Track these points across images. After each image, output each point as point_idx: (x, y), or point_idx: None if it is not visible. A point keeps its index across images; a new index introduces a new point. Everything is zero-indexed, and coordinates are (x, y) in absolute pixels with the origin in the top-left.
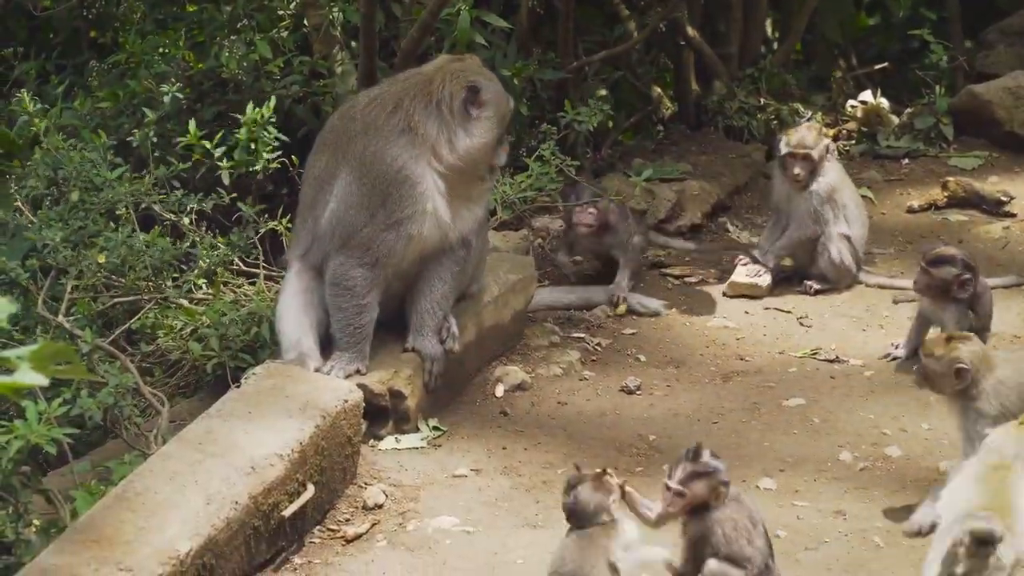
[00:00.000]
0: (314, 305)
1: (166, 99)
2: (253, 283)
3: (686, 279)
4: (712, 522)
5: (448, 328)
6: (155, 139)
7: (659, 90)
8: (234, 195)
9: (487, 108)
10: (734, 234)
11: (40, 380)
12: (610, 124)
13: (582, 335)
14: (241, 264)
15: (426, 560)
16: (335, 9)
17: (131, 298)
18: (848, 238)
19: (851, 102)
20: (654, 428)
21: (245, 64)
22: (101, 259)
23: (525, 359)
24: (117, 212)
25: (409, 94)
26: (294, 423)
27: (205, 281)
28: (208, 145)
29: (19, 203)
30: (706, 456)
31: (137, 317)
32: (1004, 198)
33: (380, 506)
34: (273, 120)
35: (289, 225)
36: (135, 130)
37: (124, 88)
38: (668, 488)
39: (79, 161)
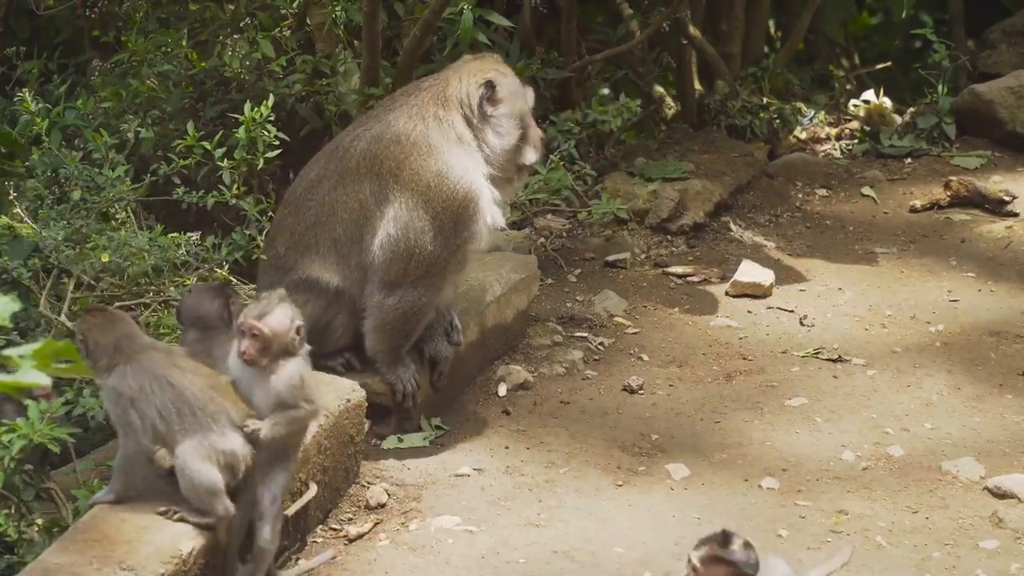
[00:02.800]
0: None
1: (169, 99)
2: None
3: (689, 278)
4: None
5: (451, 322)
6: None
7: (661, 89)
8: (236, 192)
9: (503, 104)
10: (736, 233)
11: (42, 379)
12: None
13: (584, 334)
14: (244, 263)
15: (428, 559)
16: (338, 8)
17: (134, 302)
18: None
19: (853, 101)
20: (656, 427)
21: (248, 63)
22: (104, 258)
23: (527, 358)
24: (117, 216)
25: (441, 103)
26: None
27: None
28: (208, 146)
29: (19, 210)
30: (735, 545)
31: (140, 316)
32: (1007, 197)
33: (383, 505)
34: (272, 118)
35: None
36: (138, 129)
37: (127, 87)
38: (689, 560)
39: (81, 160)
